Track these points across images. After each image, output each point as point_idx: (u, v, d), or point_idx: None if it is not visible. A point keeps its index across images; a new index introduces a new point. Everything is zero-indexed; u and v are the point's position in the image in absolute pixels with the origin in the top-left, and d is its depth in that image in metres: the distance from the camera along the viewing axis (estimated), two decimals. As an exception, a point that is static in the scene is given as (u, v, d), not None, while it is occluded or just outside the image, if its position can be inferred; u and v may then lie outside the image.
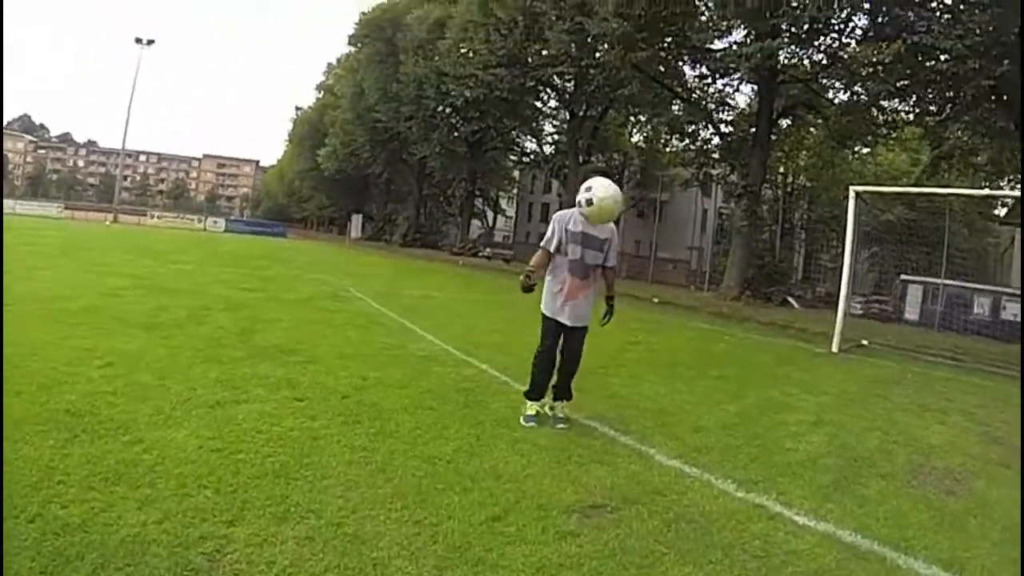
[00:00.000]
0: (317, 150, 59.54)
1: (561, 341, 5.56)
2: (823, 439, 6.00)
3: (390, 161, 53.60)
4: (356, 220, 58.80)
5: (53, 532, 2.80)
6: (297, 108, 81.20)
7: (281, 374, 6.28)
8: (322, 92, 71.23)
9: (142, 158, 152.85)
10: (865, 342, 15.03)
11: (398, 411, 5.39)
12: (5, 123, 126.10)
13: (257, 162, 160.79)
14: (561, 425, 5.41)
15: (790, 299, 27.25)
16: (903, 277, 28.41)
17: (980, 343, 18.78)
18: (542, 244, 5.59)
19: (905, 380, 10.40)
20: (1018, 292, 25.14)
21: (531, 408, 5.65)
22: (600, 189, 5.37)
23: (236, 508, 3.24)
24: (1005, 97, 19.05)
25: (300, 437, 4.48)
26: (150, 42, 53.15)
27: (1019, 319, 22.37)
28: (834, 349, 13.51)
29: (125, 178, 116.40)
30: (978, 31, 17.80)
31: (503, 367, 7.53)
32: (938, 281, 26.22)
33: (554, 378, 5.63)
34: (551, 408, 5.64)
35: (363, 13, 49.03)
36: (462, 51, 35.63)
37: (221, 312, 10.00)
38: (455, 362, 7.85)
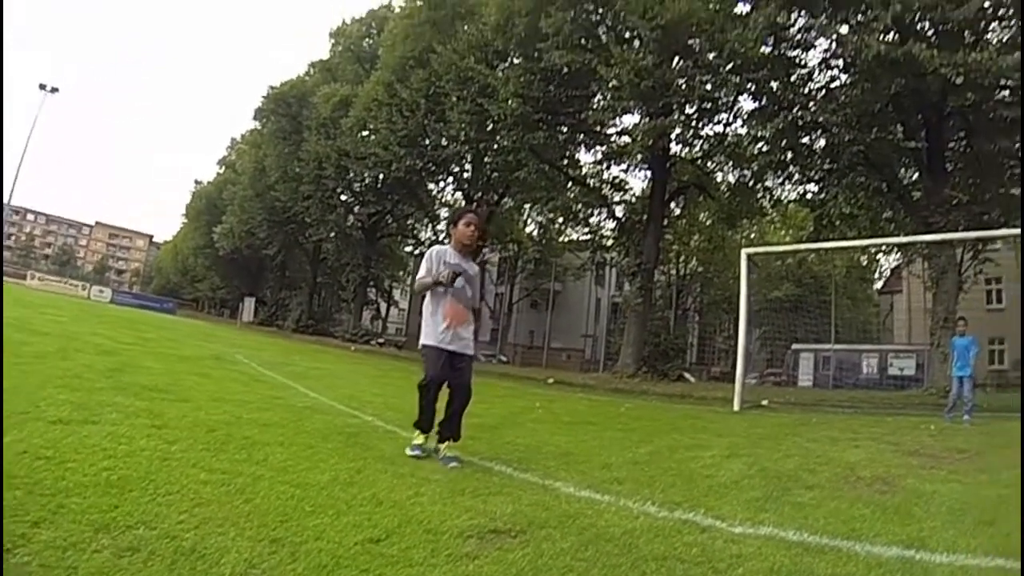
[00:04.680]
0: (214, 227, 57.54)
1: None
2: (741, 466, 5.86)
3: (286, 244, 52.35)
4: (248, 303, 57.08)
5: None
6: (196, 182, 78.80)
7: (144, 405, 5.66)
8: (223, 167, 69.50)
9: (29, 216, 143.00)
10: (765, 402, 15.40)
11: (271, 444, 4.86)
12: None
13: (151, 237, 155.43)
14: (454, 464, 4.96)
15: (686, 375, 27.50)
16: (794, 347, 29.41)
17: (873, 395, 19.60)
18: (420, 278, 5.44)
19: (810, 423, 10.58)
20: (903, 349, 26.63)
21: (418, 437, 5.38)
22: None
23: (47, 511, 2.69)
24: (876, 163, 20.48)
25: (150, 456, 3.90)
26: (54, 90, 49.73)
27: (904, 372, 23.60)
28: (735, 408, 13.70)
29: (9, 236, 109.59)
30: (849, 104, 18.90)
31: (390, 419, 7.06)
32: (828, 347, 27.29)
33: (441, 416, 5.32)
34: (437, 450, 5.26)
35: (271, 87, 48.34)
36: (364, 132, 35.59)
37: (91, 354, 9.20)
38: (339, 413, 7.33)
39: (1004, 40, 17.41)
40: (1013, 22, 17.98)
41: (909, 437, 8.45)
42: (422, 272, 5.43)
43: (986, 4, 15.94)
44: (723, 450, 6.86)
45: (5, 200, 50.72)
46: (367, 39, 43.97)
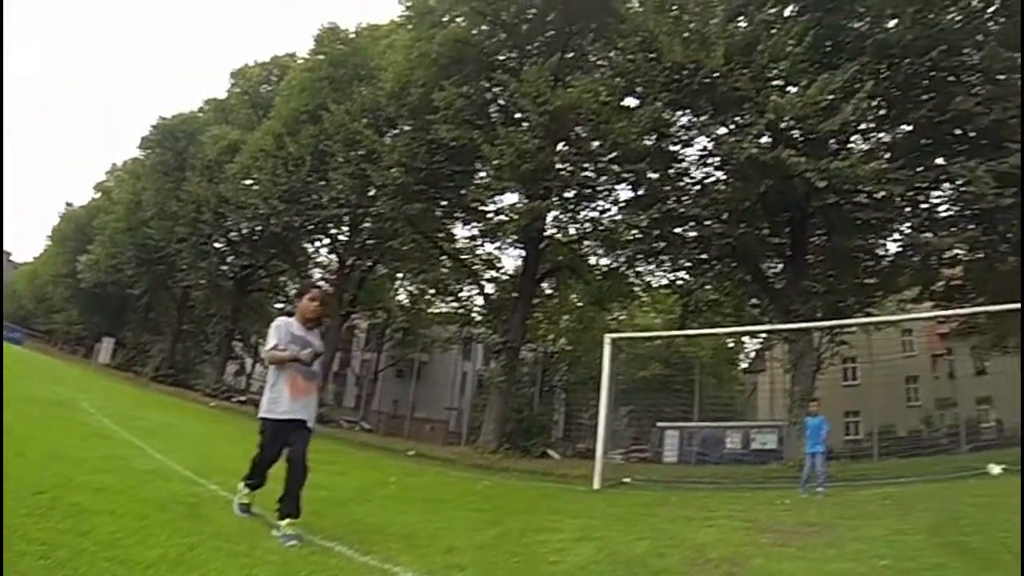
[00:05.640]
0: (79, 256, 53.65)
1: (285, 448, 5.42)
2: (590, 551, 5.89)
3: (154, 285, 49.57)
4: (107, 344, 54.06)
5: None
6: (68, 204, 73.78)
7: (-40, 455, 5.24)
8: (99, 193, 65.37)
9: None
10: (627, 479, 15.58)
11: (101, 513, 4.66)
12: None
13: (8, 254, 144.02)
14: (292, 543, 4.91)
15: (550, 451, 27.72)
16: (659, 424, 30.25)
17: (735, 470, 20.26)
18: (271, 348, 5.58)
19: (669, 502, 10.72)
20: (765, 425, 28.23)
21: (246, 496, 5.57)
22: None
23: None
24: (743, 254, 21.86)
25: (-40, 520, 3.64)
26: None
27: (767, 447, 24.99)
28: (596, 486, 13.77)
29: None
30: (721, 200, 20.27)
31: (237, 489, 6.89)
32: (692, 424, 28.32)
33: (272, 491, 5.42)
34: (277, 527, 5.18)
35: (161, 118, 46.41)
36: (248, 180, 34.57)
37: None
38: (183, 480, 7.09)
39: (864, 150, 19.30)
40: (872, 135, 20.28)
41: (764, 513, 8.73)
42: (271, 343, 5.56)
43: (851, 118, 17.35)
44: (575, 533, 6.85)
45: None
46: (266, 85, 43.07)
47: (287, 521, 5.14)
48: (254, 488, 5.64)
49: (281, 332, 5.59)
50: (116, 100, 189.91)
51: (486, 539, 6.21)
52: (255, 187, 33.49)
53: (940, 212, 20.55)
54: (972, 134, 18.16)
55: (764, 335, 27.96)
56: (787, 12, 19.64)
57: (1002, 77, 17.40)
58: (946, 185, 19.44)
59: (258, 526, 5.36)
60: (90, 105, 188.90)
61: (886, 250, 22.42)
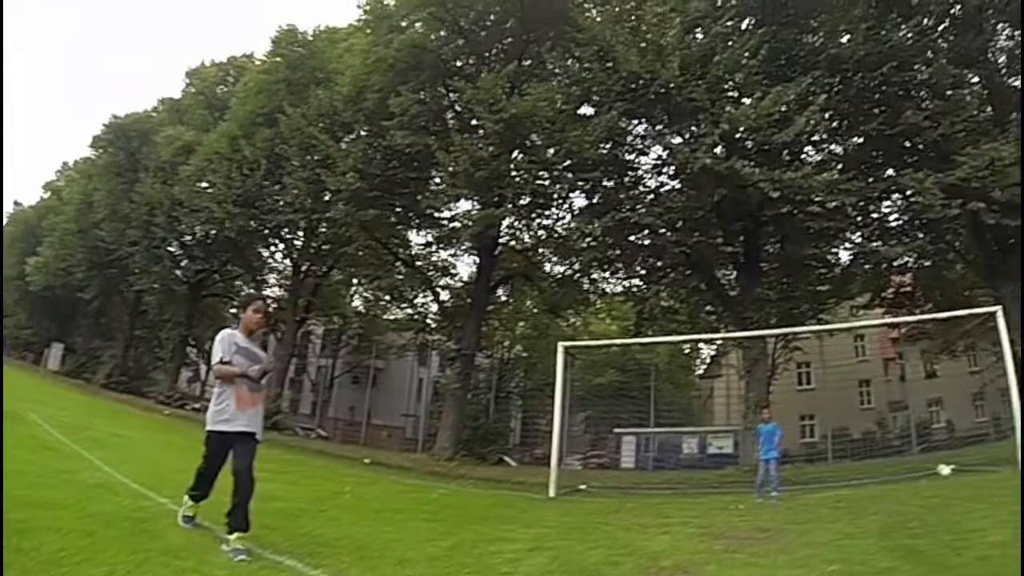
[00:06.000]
0: (28, 258, 52.43)
1: (231, 459, 5.40)
2: (543, 561, 5.87)
3: (105, 289, 48.32)
4: (56, 349, 52.43)
5: None
6: (16, 204, 71.48)
7: None
8: (48, 192, 63.74)
9: None
10: (583, 486, 15.60)
11: (46, 531, 4.55)
12: None
13: None
14: (242, 557, 4.85)
15: (506, 458, 27.66)
16: (616, 430, 30.49)
17: (692, 475, 20.34)
18: (218, 362, 5.54)
19: (624, 509, 10.76)
20: (722, 429, 28.78)
21: (190, 508, 5.56)
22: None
23: None
24: (697, 263, 22.20)
25: None
26: None
27: (723, 451, 25.72)
28: (551, 494, 13.76)
29: None
30: (675, 209, 20.51)
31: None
32: (649, 430, 28.61)
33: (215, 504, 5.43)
34: (227, 542, 5.10)
35: (114, 116, 45.62)
36: (203, 183, 33.82)
37: None
38: (131, 493, 6.96)
39: (817, 161, 19.96)
40: (824, 147, 20.83)
41: (719, 519, 8.81)
42: (217, 356, 5.53)
43: (804, 130, 17.70)
44: (528, 543, 6.82)
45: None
46: (222, 86, 42.41)
47: (236, 535, 5.08)
48: (198, 500, 5.62)
49: (226, 344, 5.57)
50: (67, 96, 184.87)
51: (439, 550, 6.16)
52: (209, 190, 32.85)
53: (890, 222, 21.12)
54: (921, 147, 18.75)
55: (719, 342, 28.41)
56: (743, 26, 20.08)
57: (949, 93, 18.00)
58: (896, 196, 20.04)
59: (207, 541, 5.27)
60: (40, 101, 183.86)
61: (838, 258, 23.09)
